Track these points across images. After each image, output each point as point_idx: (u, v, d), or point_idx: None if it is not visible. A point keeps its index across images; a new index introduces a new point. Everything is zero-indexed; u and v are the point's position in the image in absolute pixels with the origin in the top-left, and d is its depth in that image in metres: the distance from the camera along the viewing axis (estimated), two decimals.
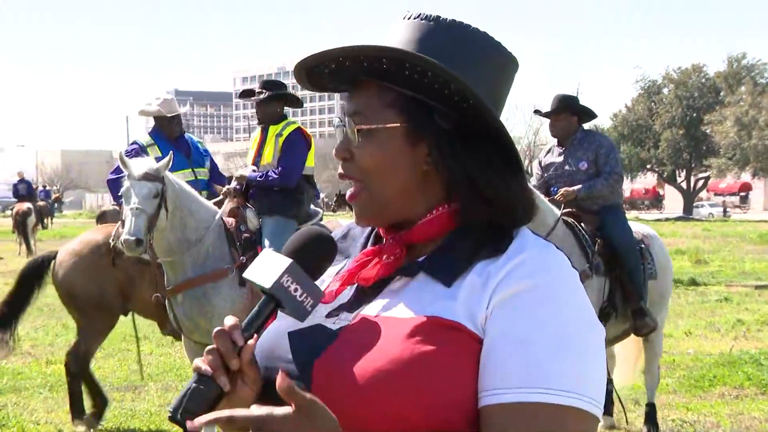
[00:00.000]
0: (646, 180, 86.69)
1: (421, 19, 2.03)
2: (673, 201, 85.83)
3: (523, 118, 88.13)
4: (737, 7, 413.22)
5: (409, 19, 2.05)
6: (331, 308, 2.03)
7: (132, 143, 10.62)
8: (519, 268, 1.90)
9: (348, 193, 2.07)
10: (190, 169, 9.89)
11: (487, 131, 1.99)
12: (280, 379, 1.71)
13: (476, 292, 1.90)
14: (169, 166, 8.31)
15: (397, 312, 1.93)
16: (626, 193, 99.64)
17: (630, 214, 73.42)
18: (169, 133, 10.31)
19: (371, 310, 1.98)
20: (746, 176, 71.88)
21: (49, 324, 16.29)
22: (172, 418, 1.82)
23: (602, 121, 79.87)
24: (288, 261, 1.93)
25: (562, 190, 9.25)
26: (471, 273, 1.93)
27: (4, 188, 49.59)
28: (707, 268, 25.22)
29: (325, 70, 2.09)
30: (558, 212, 8.99)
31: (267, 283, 1.91)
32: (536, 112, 10.68)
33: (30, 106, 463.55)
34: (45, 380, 11.73)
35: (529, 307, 1.85)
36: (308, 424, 1.70)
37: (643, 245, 9.16)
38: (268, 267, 1.93)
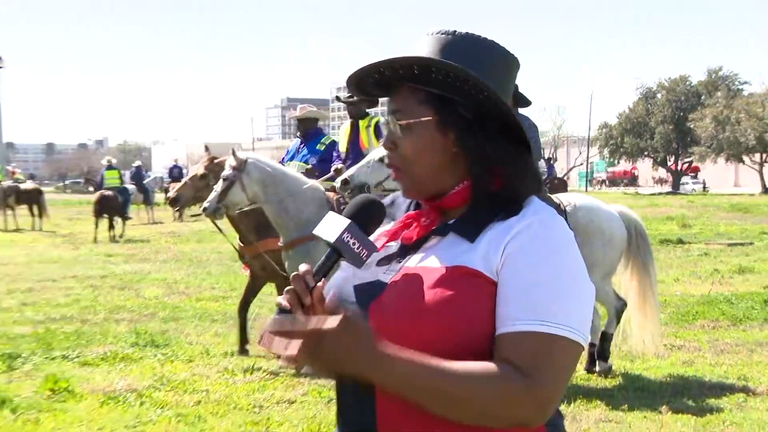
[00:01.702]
0: (645, 163, 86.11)
1: (441, 34, 2.03)
2: (666, 180, 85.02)
3: (549, 117, 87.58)
4: (716, 29, 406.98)
5: (432, 34, 2.05)
6: (381, 257, 2.03)
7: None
8: (527, 229, 1.92)
9: (393, 174, 2.08)
10: (302, 162, 9.88)
11: (500, 119, 1.99)
12: (328, 300, 1.77)
13: (492, 246, 1.92)
14: (247, 161, 8.25)
15: (431, 263, 1.95)
16: (610, 174, 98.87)
17: (611, 189, 71.91)
18: (301, 132, 10.39)
19: (412, 262, 1.99)
20: (721, 161, 71.59)
21: (197, 272, 16.49)
22: (264, 344, 1.82)
23: (610, 119, 79.49)
24: (347, 221, 1.95)
25: None
26: (489, 231, 1.94)
27: (164, 172, 50.38)
28: (691, 231, 25.03)
29: (370, 80, 2.09)
30: None
31: (331, 238, 1.93)
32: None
33: (181, 106, 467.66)
34: (195, 312, 11.86)
35: (533, 258, 1.89)
36: (348, 334, 1.71)
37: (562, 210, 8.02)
38: (332, 226, 1.96)
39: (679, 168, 79.72)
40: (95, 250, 21.23)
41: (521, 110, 8.66)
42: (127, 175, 35.04)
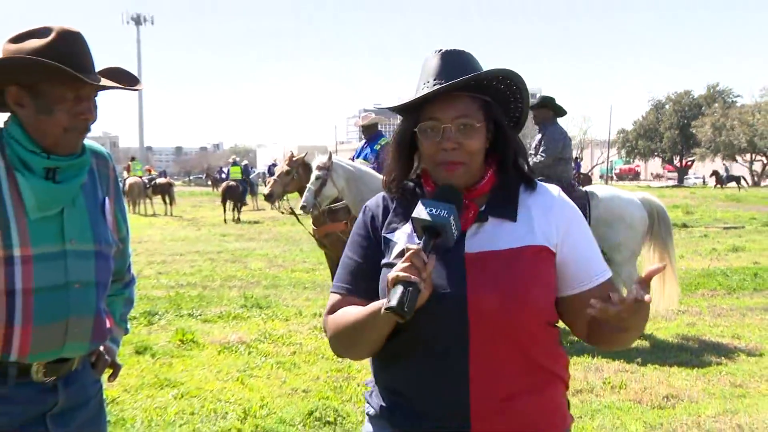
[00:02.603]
0: (655, 162, 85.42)
1: (461, 52, 2.01)
2: (671, 175, 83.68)
3: (576, 124, 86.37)
4: (714, 52, 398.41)
5: (441, 51, 2.00)
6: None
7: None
8: (562, 206, 2.00)
9: (445, 170, 1.95)
10: (364, 159, 9.79)
11: (516, 120, 2.08)
12: (649, 273, 1.76)
13: (543, 223, 1.95)
14: (331, 160, 8.12)
15: (493, 246, 1.91)
16: (616, 170, 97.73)
17: (620, 183, 70.61)
18: (365, 135, 10.36)
19: (471, 247, 1.91)
20: (717, 160, 70.80)
21: (292, 249, 16.58)
22: (396, 311, 1.73)
23: (627, 125, 78.80)
24: (450, 205, 1.87)
25: None
26: (523, 209, 1.97)
27: (265, 169, 51.00)
28: (693, 217, 24.59)
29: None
30: None
31: (437, 219, 1.85)
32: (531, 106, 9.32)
33: (279, 115, 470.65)
34: (290, 281, 11.91)
35: (583, 228, 2.02)
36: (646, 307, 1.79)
37: (586, 201, 7.86)
38: (432, 208, 1.86)
39: (682, 165, 78.94)
40: (213, 230, 21.47)
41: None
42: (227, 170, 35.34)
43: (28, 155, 2.19)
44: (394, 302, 1.73)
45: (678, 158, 79.51)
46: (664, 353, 7.33)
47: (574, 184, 8.46)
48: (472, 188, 1.99)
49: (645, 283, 1.72)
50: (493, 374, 1.86)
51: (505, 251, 1.88)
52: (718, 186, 49.10)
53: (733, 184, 49.32)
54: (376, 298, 1.95)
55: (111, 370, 2.60)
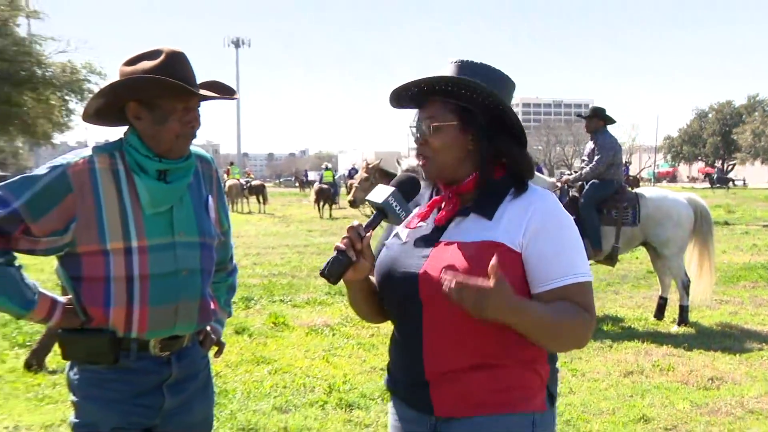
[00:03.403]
0: (698, 165, 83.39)
1: (464, 61, 1.97)
2: (697, 178, 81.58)
3: (626, 132, 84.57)
4: (754, 64, 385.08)
5: (455, 61, 1.97)
6: (419, 234, 2.00)
7: None
8: (541, 210, 1.88)
9: (421, 162, 2.02)
10: None
11: (507, 124, 1.94)
12: (491, 267, 1.66)
13: (513, 224, 1.87)
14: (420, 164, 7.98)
15: (462, 237, 1.90)
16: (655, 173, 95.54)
17: (660, 185, 69.04)
18: None
19: (446, 237, 1.93)
20: (757, 163, 68.71)
21: (371, 242, 16.60)
22: (322, 274, 1.87)
23: (672, 132, 77.25)
24: (392, 189, 1.94)
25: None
26: (503, 210, 1.90)
27: (346, 173, 51.63)
28: (734, 215, 23.85)
29: (408, 94, 2.03)
30: (551, 181, 8.43)
31: (379, 200, 1.93)
32: (578, 115, 8.83)
33: (358, 123, 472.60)
34: None
35: (554, 232, 1.87)
36: (501, 291, 1.66)
37: (636, 202, 7.90)
38: (381, 193, 1.94)
39: (724, 169, 76.82)
40: (300, 226, 21.67)
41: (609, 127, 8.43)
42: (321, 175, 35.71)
43: (144, 159, 2.26)
44: (322, 267, 1.87)
45: (720, 162, 77.44)
46: (708, 339, 7.12)
47: (625, 186, 8.32)
48: (455, 184, 1.99)
49: (492, 273, 1.66)
50: (443, 350, 1.88)
51: (469, 243, 1.88)
52: (718, 186, 47.97)
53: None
54: None
55: (216, 348, 2.65)
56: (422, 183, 2.10)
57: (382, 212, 1.94)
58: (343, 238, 1.88)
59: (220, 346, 2.66)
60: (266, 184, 34.85)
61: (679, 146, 77.72)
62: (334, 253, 1.87)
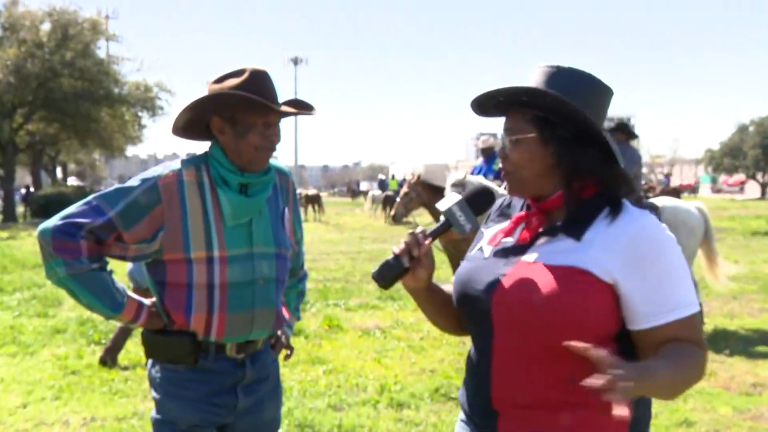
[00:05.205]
0: (738, 176, 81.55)
1: (549, 67, 1.72)
2: (753, 189, 79.30)
3: (667, 144, 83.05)
4: None
5: (542, 66, 1.74)
6: (499, 249, 1.76)
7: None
8: (639, 235, 1.61)
9: (503, 176, 1.80)
10: (483, 176, 9.59)
11: (595, 138, 1.66)
12: (606, 355, 1.40)
13: (606, 252, 1.59)
14: (466, 178, 7.89)
15: (546, 260, 1.64)
16: (674, 185, 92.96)
17: (684, 196, 67.17)
18: (483, 155, 10.18)
19: (528, 258, 1.67)
20: None
21: None
22: (374, 277, 1.72)
23: (713, 145, 75.78)
24: (458, 197, 1.78)
25: None
26: (595, 233, 1.63)
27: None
28: None
29: (491, 103, 1.78)
30: None
31: (443, 208, 1.77)
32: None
33: (410, 135, 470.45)
34: None
35: (656, 261, 1.59)
36: (640, 383, 1.39)
37: (654, 210, 7.59)
38: (448, 201, 1.78)
39: (765, 181, 74.91)
40: (353, 234, 21.72)
41: (632, 142, 8.36)
42: (375, 184, 35.85)
43: (227, 173, 2.29)
44: (374, 270, 1.72)
45: (761, 174, 75.57)
46: (749, 346, 6.90)
47: (641, 197, 8.31)
48: (541, 200, 1.76)
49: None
50: (513, 380, 1.66)
51: (553, 266, 1.62)
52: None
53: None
54: None
55: (286, 351, 2.68)
56: (514, 200, 1.90)
57: (447, 220, 1.77)
58: (401, 243, 1.72)
59: (290, 350, 2.69)
60: (321, 194, 35.13)
61: (719, 158, 75.94)
62: (390, 257, 1.72)
